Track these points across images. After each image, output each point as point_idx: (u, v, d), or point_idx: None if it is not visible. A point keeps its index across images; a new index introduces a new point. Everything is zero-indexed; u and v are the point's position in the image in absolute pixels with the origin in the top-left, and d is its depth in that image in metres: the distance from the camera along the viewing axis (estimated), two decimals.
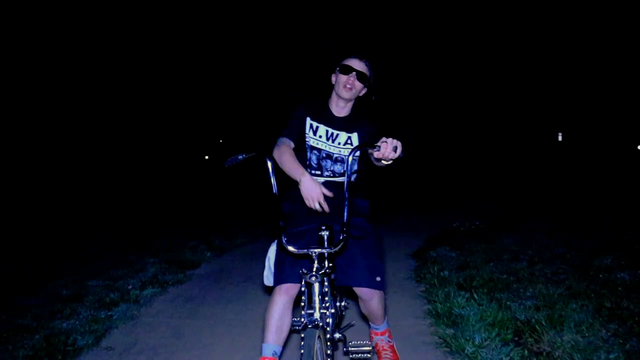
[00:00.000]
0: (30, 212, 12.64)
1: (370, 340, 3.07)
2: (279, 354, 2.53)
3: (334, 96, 2.84)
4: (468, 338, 3.40)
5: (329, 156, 2.80)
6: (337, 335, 2.55)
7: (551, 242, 6.36)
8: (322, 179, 2.81)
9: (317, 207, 2.50)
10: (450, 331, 3.62)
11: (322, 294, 2.28)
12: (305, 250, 2.27)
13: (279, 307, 2.55)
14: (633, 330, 3.38)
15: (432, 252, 6.19)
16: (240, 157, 2.38)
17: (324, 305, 2.28)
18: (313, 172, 2.82)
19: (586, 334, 3.36)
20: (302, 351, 1.99)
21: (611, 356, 3.01)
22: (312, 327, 2.13)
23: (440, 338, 3.53)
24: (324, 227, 2.53)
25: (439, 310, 4.02)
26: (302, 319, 2.22)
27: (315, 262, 2.26)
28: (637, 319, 3.53)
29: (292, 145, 2.76)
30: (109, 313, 4.41)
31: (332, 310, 2.43)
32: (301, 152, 2.83)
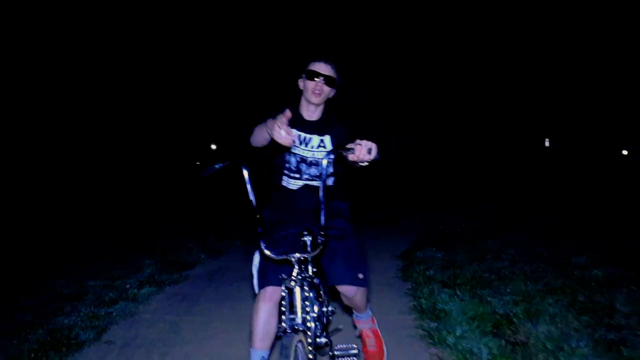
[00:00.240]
0: (31, 212, 12.76)
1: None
2: (267, 358, 2.60)
3: (303, 102, 2.85)
4: (450, 330, 3.63)
5: (303, 160, 2.82)
6: (322, 340, 2.51)
7: (533, 242, 6.61)
8: (301, 182, 2.85)
9: (292, 140, 2.36)
10: (433, 325, 3.83)
11: (304, 299, 2.30)
12: (285, 255, 2.30)
13: (264, 314, 2.57)
14: (603, 321, 3.62)
15: (419, 252, 6.42)
16: (216, 166, 2.40)
17: (305, 309, 2.30)
18: (293, 175, 2.86)
19: (560, 325, 3.59)
20: (281, 356, 2.01)
21: (581, 344, 3.24)
22: (292, 332, 2.14)
23: (424, 331, 3.75)
24: (306, 232, 2.59)
25: (424, 306, 4.24)
26: (283, 324, 2.25)
27: (296, 267, 2.29)
28: (607, 311, 3.78)
29: None
30: (109, 310, 4.61)
31: (314, 315, 2.42)
32: (280, 155, 2.86)
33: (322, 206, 2.30)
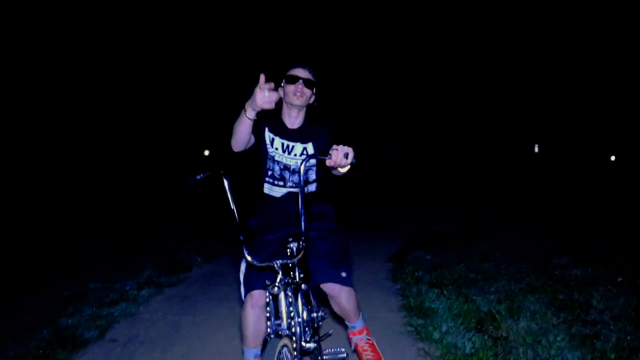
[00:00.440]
0: (30, 212, 12.85)
1: (350, 342, 3.07)
2: (260, 354, 2.72)
3: (285, 108, 2.88)
4: (436, 326, 3.86)
5: (286, 168, 2.85)
6: (310, 345, 2.52)
7: (519, 244, 6.86)
8: (285, 190, 2.88)
9: (273, 95, 2.44)
10: (421, 322, 4.05)
11: (289, 304, 2.35)
12: (267, 262, 2.35)
13: (252, 318, 2.67)
14: (579, 317, 3.86)
15: (408, 254, 6.64)
16: (198, 177, 2.43)
17: (290, 315, 2.34)
18: (276, 182, 2.88)
19: (539, 321, 3.83)
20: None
21: (558, 338, 3.48)
22: (275, 337, 2.18)
23: (411, 327, 3.97)
24: (291, 239, 2.66)
25: (412, 304, 4.46)
26: (268, 329, 2.30)
27: (280, 273, 2.32)
28: (583, 308, 4.02)
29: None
30: (110, 310, 4.78)
31: (300, 319, 2.44)
32: (262, 161, 2.89)
33: (302, 211, 2.35)
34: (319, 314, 2.83)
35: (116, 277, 6.04)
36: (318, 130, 2.88)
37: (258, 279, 2.59)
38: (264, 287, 2.36)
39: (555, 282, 4.75)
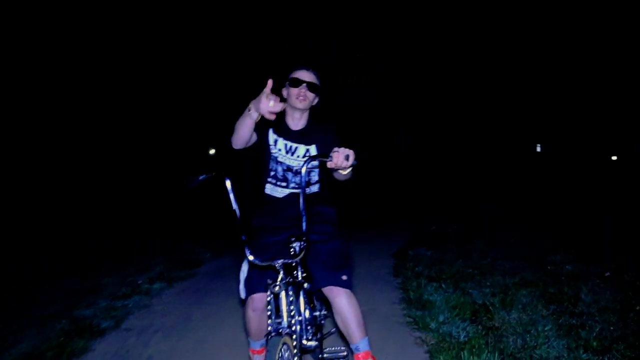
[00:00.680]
0: (38, 212, 13.12)
1: None
2: (265, 343, 2.80)
3: (288, 109, 2.88)
4: (433, 317, 4.10)
5: (289, 169, 2.86)
6: (311, 343, 2.54)
7: (517, 243, 7.10)
8: (287, 191, 2.89)
9: (277, 107, 2.43)
10: (419, 313, 4.29)
11: (290, 303, 2.37)
12: (269, 262, 2.37)
13: (255, 319, 2.77)
14: (568, 309, 4.10)
15: (410, 251, 6.88)
16: (200, 177, 2.44)
17: (291, 314, 2.36)
18: (279, 183, 2.89)
19: (530, 313, 4.07)
20: (266, 358, 2.08)
21: (546, 328, 3.71)
22: (276, 335, 2.21)
23: (410, 318, 4.22)
24: (293, 239, 2.67)
25: (412, 297, 4.72)
26: (269, 327, 2.31)
27: (281, 272, 2.35)
28: (572, 300, 4.26)
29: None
30: (125, 302, 5.05)
31: (300, 318, 2.47)
32: (264, 162, 2.90)
33: (303, 213, 2.36)
34: (322, 312, 2.86)
35: (128, 273, 6.30)
36: (321, 131, 2.88)
37: (259, 282, 2.65)
38: (265, 289, 2.41)
39: (548, 277, 4.99)
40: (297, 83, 2.77)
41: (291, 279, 2.42)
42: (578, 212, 10.49)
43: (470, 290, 4.77)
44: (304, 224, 2.36)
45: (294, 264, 2.47)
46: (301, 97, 2.76)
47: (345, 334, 2.72)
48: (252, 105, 2.51)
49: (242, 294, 2.83)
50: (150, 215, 12.52)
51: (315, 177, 2.93)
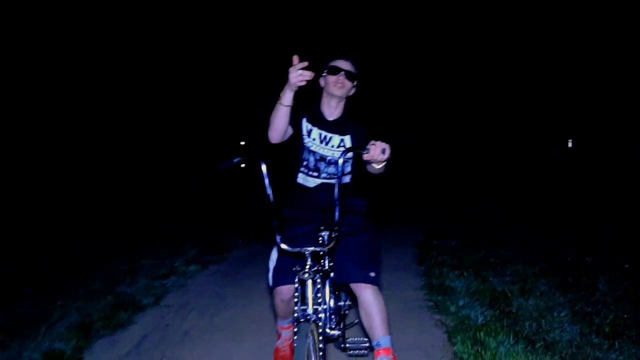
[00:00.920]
0: (85, 201, 13.61)
1: None
2: (292, 322, 3.02)
3: (325, 98, 2.89)
4: (453, 302, 4.31)
5: (322, 159, 2.86)
6: (335, 332, 2.55)
7: (537, 235, 7.24)
8: (319, 181, 2.89)
9: (306, 75, 2.45)
10: (440, 298, 4.51)
11: (317, 291, 2.36)
12: (299, 249, 2.37)
13: (283, 305, 2.90)
14: (584, 297, 4.26)
15: (434, 241, 7.08)
16: (235, 160, 2.45)
17: (318, 301, 2.35)
18: (311, 173, 2.89)
19: (547, 300, 4.24)
20: (295, 345, 2.09)
21: (562, 314, 3.89)
22: (305, 322, 2.21)
23: (431, 302, 4.44)
24: (322, 227, 2.69)
25: (434, 284, 4.94)
26: (295, 314, 2.31)
27: (309, 260, 2.35)
28: (589, 290, 4.42)
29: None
30: (163, 282, 5.39)
31: (325, 307, 2.45)
32: (297, 152, 2.91)
33: (337, 203, 2.39)
34: (346, 302, 2.89)
35: (165, 256, 6.65)
36: (357, 123, 2.90)
37: (287, 274, 2.66)
38: (294, 279, 2.42)
39: (567, 268, 5.14)
40: (335, 71, 2.79)
41: (319, 267, 2.41)
42: (605, 210, 10.48)
43: (490, 279, 4.96)
44: (336, 214, 2.38)
45: (321, 253, 2.46)
46: (339, 85, 2.77)
47: (367, 329, 2.72)
48: (281, 95, 2.57)
49: (271, 282, 2.88)
50: (184, 207, 12.93)
51: (348, 168, 2.93)
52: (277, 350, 3.22)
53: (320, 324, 2.35)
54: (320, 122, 2.87)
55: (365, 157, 2.36)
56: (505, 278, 4.95)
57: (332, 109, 2.88)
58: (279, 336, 3.22)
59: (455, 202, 13.50)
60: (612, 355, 3.15)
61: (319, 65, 2.85)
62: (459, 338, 3.52)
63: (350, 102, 2.95)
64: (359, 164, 2.77)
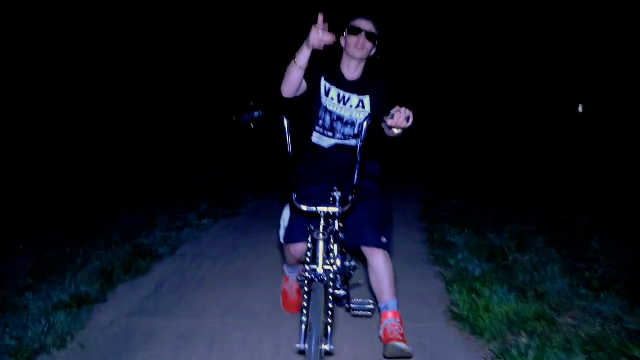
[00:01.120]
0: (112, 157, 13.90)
1: (379, 326, 2.80)
2: (298, 280, 3.14)
3: (345, 58, 2.85)
4: (453, 256, 4.57)
5: (339, 119, 2.82)
6: (341, 292, 2.51)
7: (538, 201, 7.44)
8: (333, 141, 2.86)
9: (327, 36, 2.46)
10: (441, 252, 4.77)
11: (327, 251, 2.33)
12: (314, 209, 2.35)
13: (293, 260, 3.00)
14: (575, 253, 4.50)
15: (439, 199, 7.32)
16: (256, 114, 2.41)
17: (328, 262, 2.32)
18: (326, 133, 2.86)
19: (541, 256, 4.48)
20: (306, 304, 2.10)
21: (554, 268, 4.13)
22: (318, 282, 2.20)
23: (432, 255, 4.71)
24: (335, 188, 2.68)
25: (435, 239, 5.20)
26: (307, 274, 2.27)
27: (322, 220, 2.35)
28: (582, 247, 4.66)
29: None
30: (178, 234, 5.68)
31: (335, 268, 2.39)
32: (313, 110, 2.87)
33: (357, 166, 2.37)
34: (352, 263, 2.88)
35: (179, 211, 6.94)
36: (376, 83, 2.85)
37: (300, 232, 2.68)
38: (306, 237, 2.46)
39: (563, 226, 5.37)
40: (356, 31, 2.73)
41: (332, 228, 2.42)
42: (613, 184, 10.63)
43: (489, 235, 5.20)
44: (355, 177, 2.37)
45: (335, 214, 2.41)
46: (359, 46, 2.72)
47: (376, 292, 2.80)
48: (297, 54, 2.55)
49: (282, 239, 2.94)
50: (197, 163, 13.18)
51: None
52: (285, 294, 3.48)
53: (331, 284, 2.31)
54: (339, 81, 2.83)
55: (390, 122, 2.33)
56: (504, 235, 5.19)
57: (352, 70, 2.83)
58: (286, 279, 3.45)
59: (464, 166, 13.70)
60: (597, 305, 3.39)
61: (342, 25, 2.83)
62: (455, 287, 3.78)
63: (370, 63, 2.89)
64: (375, 127, 2.67)
